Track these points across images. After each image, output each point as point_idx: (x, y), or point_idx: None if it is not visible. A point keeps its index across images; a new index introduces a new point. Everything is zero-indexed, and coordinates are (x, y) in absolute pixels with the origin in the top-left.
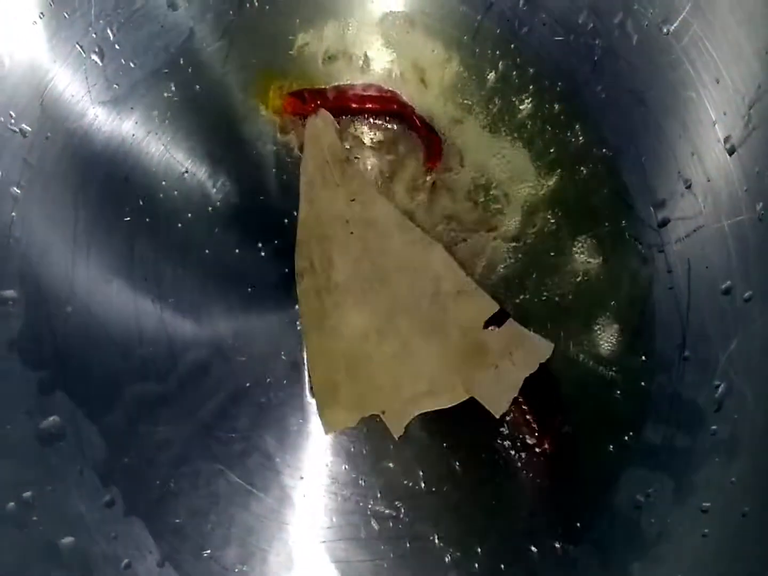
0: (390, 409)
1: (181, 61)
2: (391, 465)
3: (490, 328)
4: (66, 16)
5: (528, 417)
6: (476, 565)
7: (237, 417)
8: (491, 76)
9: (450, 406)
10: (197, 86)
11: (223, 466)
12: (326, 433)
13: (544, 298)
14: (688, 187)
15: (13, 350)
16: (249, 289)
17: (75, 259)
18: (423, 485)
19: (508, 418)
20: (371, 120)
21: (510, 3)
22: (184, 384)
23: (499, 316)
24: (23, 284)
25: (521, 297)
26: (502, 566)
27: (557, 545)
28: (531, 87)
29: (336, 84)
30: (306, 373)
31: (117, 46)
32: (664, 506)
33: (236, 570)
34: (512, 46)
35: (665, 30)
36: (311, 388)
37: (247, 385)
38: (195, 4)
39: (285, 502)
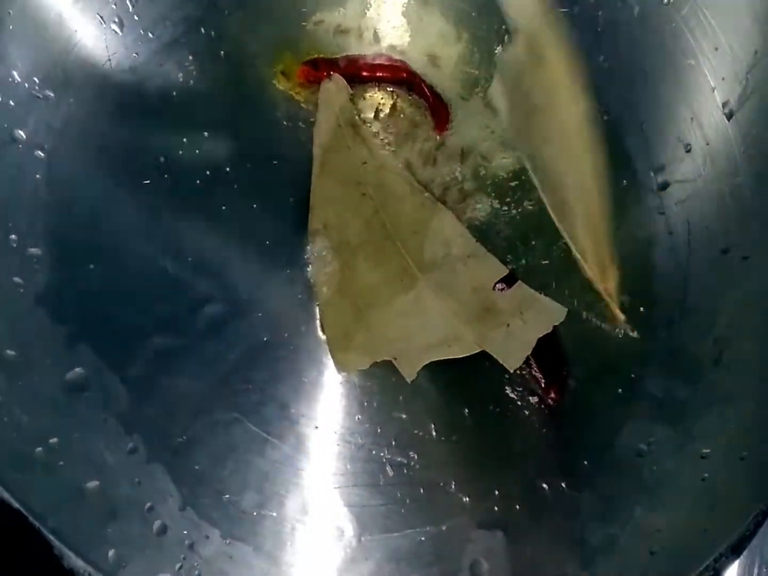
0: (402, 356)
1: (199, 32)
2: (403, 416)
3: (499, 288)
4: None
5: (534, 369)
6: (495, 508)
7: (254, 369)
8: (498, 49)
9: (461, 356)
10: (214, 56)
11: (240, 416)
12: (339, 372)
13: (546, 262)
14: (688, 151)
15: (39, 305)
16: (265, 247)
17: (97, 218)
18: (434, 434)
19: (515, 372)
20: (382, 88)
21: None
22: (203, 338)
23: (508, 279)
24: (47, 243)
25: (526, 259)
26: (517, 506)
27: (564, 487)
28: None
29: (347, 54)
30: (319, 327)
31: (136, 17)
32: (665, 454)
33: (254, 513)
34: None
35: (666, 0)
36: (322, 330)
37: (264, 339)
38: None
39: (300, 450)
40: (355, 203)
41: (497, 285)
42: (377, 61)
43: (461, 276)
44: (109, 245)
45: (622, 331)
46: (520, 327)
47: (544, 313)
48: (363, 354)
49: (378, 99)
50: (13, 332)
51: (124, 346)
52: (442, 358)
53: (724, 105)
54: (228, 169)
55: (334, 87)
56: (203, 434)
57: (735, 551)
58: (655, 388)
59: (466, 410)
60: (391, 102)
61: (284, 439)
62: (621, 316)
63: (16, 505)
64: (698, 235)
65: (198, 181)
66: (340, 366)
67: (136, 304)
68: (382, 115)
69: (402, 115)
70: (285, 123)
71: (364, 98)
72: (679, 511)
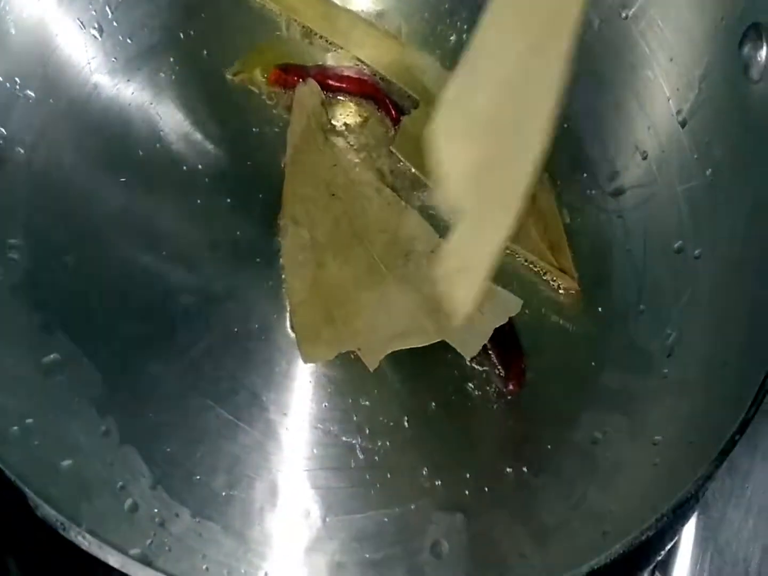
0: (365, 347)
1: (175, 38)
2: (368, 403)
3: None
4: None
5: (494, 360)
6: (457, 492)
7: (225, 358)
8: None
9: (422, 345)
10: (190, 60)
11: (212, 402)
12: (305, 362)
13: (507, 255)
14: (645, 158)
15: (16, 294)
16: (237, 240)
17: (74, 212)
18: (399, 421)
19: (475, 365)
20: (350, 97)
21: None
22: (176, 327)
23: None
24: (26, 235)
25: None
26: (478, 490)
27: (523, 472)
28: None
29: (319, 63)
30: (288, 321)
31: (115, 23)
32: (619, 441)
33: (223, 494)
34: None
35: (624, 15)
36: (292, 327)
37: (236, 329)
38: None
39: (269, 435)
40: (324, 202)
41: None
42: (345, 73)
43: (423, 271)
44: (86, 238)
45: (580, 326)
46: (478, 318)
47: (500, 305)
48: (329, 346)
49: (348, 107)
50: None
51: (99, 333)
52: (403, 348)
53: (678, 113)
54: (202, 167)
55: (308, 90)
56: (175, 419)
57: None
58: (610, 381)
59: (430, 398)
60: (360, 111)
61: (254, 425)
62: (574, 280)
63: None
64: (653, 237)
65: (173, 181)
66: (306, 357)
67: (111, 293)
68: (350, 122)
69: (367, 122)
70: (258, 125)
71: (336, 105)
72: (631, 493)
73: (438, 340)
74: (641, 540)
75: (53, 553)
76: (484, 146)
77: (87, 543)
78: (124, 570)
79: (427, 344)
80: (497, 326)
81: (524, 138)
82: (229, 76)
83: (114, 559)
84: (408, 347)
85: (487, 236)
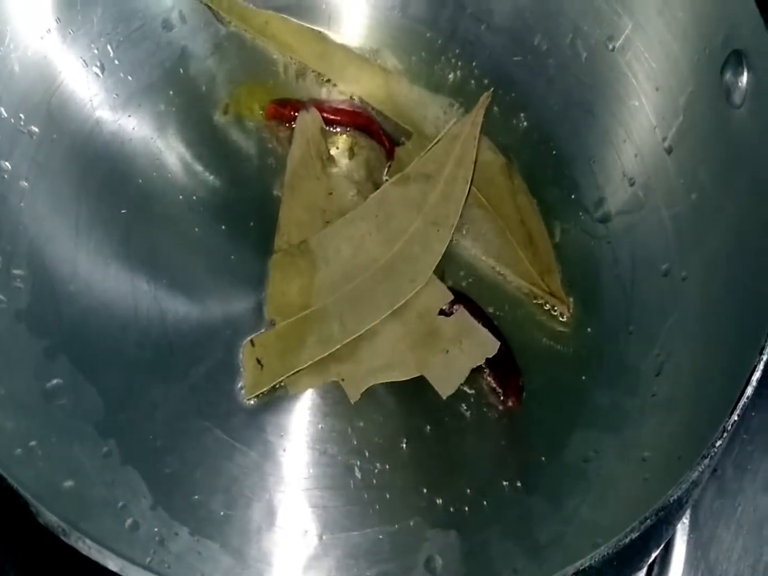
0: (348, 378)
1: (175, 76)
2: (362, 425)
3: (442, 315)
4: (71, 32)
5: (491, 379)
6: (451, 509)
7: (223, 381)
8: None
9: (402, 380)
10: (190, 97)
11: (210, 424)
12: (289, 393)
13: (498, 277)
14: (632, 184)
15: (21, 320)
16: (234, 268)
17: (77, 244)
18: (394, 441)
19: (467, 388)
20: (345, 129)
21: (473, 28)
22: (174, 352)
23: (452, 306)
24: (31, 265)
25: (472, 278)
26: (471, 508)
27: (516, 489)
28: (494, 104)
29: (314, 98)
30: None
31: (116, 62)
32: (610, 459)
33: (222, 513)
34: (474, 67)
35: (611, 47)
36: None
37: (232, 352)
38: (188, 25)
39: (267, 456)
40: (318, 229)
41: (442, 312)
42: (340, 107)
43: (410, 301)
44: (88, 269)
45: (571, 348)
46: (457, 356)
47: (479, 345)
48: (313, 375)
49: (343, 138)
50: None
51: (101, 359)
52: (385, 381)
53: (664, 140)
54: (202, 199)
55: (310, 118)
56: (175, 441)
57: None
58: (601, 400)
59: (425, 420)
60: (355, 142)
61: (252, 447)
62: (565, 302)
63: None
64: (641, 261)
65: (172, 214)
66: (290, 387)
67: (113, 321)
68: (345, 152)
69: (361, 151)
70: (256, 158)
71: (332, 136)
72: (622, 508)
73: (418, 374)
74: (625, 543)
75: (52, 560)
76: None
77: (87, 548)
78: (123, 574)
79: (407, 378)
80: (474, 366)
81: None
82: (228, 112)
83: (113, 563)
84: (389, 380)
85: None
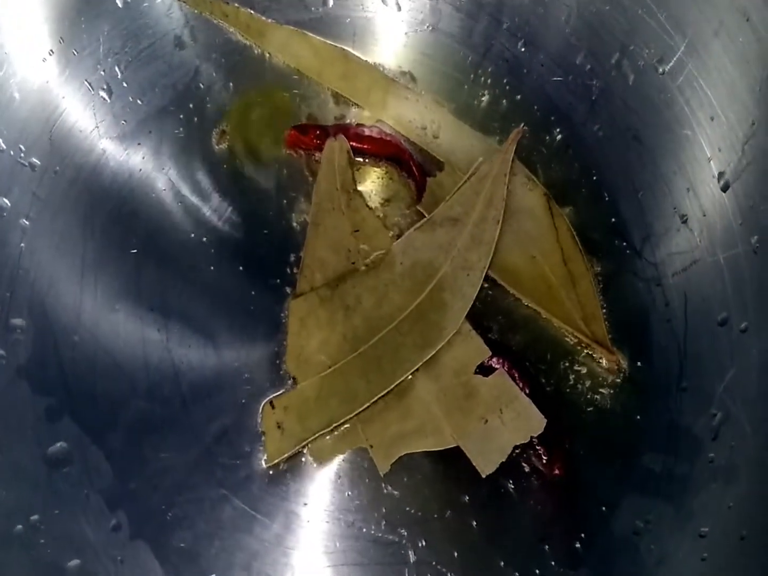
0: (377, 444)
1: (188, 99)
2: (395, 492)
3: (480, 374)
4: (75, 53)
5: (536, 444)
6: None
7: (240, 443)
8: (493, 116)
9: (436, 449)
10: (204, 122)
11: (227, 492)
12: (314, 463)
13: (543, 333)
14: (684, 221)
15: (21, 377)
16: (252, 317)
17: (82, 289)
18: (427, 511)
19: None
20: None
21: (509, 44)
22: (188, 409)
23: (490, 359)
24: (31, 313)
25: (510, 325)
26: None
27: (560, 569)
28: (530, 127)
29: (339, 122)
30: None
31: (125, 84)
32: (663, 532)
33: None
34: (510, 86)
35: (661, 70)
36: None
37: (251, 411)
38: (201, 43)
39: (289, 528)
40: (342, 271)
41: (478, 370)
42: (368, 134)
43: (444, 356)
44: (94, 317)
45: (619, 405)
46: (498, 428)
47: (523, 419)
48: (338, 441)
49: (370, 168)
50: None
51: (109, 419)
52: (416, 450)
53: (720, 175)
54: (215, 239)
55: (338, 146)
56: (189, 510)
57: None
58: (652, 464)
59: (461, 484)
60: (382, 172)
61: (273, 518)
62: (614, 354)
63: None
64: (695, 307)
65: (185, 255)
66: (314, 457)
67: (121, 375)
68: (372, 184)
69: (390, 184)
70: (274, 191)
71: (358, 166)
72: None
73: (454, 445)
74: None
75: None
76: None
77: None
78: None
79: (442, 449)
80: (517, 444)
81: None
82: (245, 140)
83: None
84: (422, 450)
85: None
